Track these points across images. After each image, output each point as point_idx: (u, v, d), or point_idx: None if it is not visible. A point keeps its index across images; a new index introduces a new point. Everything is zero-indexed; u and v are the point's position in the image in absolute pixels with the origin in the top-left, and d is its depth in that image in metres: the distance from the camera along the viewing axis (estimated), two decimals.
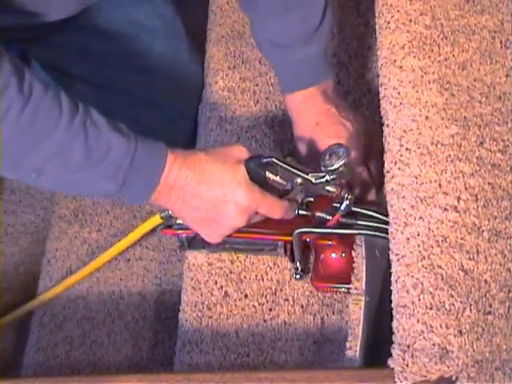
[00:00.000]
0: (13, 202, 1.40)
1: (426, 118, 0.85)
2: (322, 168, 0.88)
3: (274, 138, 1.11)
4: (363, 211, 0.92)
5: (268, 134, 1.11)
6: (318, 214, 0.92)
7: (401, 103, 0.87)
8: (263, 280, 1.00)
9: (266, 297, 0.98)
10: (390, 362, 0.74)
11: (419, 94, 0.86)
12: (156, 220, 0.98)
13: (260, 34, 1.01)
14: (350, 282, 0.93)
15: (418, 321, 0.74)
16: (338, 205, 0.90)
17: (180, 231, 0.97)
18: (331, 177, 0.88)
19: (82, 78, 1.13)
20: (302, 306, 0.97)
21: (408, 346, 0.73)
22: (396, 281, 0.77)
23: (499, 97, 0.85)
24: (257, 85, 1.15)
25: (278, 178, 0.88)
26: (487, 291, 0.75)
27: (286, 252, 0.96)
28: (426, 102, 0.86)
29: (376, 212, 0.91)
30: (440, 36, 0.90)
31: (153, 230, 1.03)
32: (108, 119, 0.80)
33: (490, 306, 0.74)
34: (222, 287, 1.00)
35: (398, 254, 0.79)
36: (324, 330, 0.95)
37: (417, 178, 0.81)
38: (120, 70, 1.12)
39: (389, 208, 0.83)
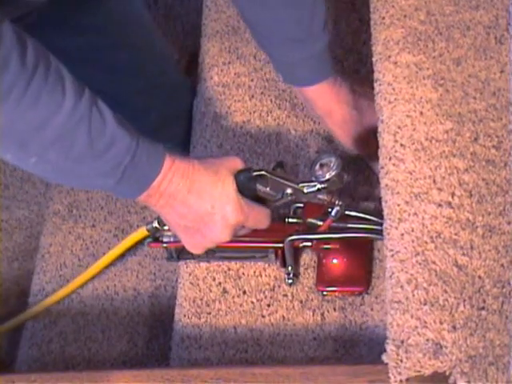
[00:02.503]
0: (7, 198, 1.40)
1: (421, 113, 0.85)
2: (313, 178, 0.88)
3: (269, 133, 1.11)
4: (355, 214, 0.92)
5: (263, 129, 1.11)
6: (309, 220, 0.92)
7: (395, 99, 0.86)
8: (261, 276, 1.00)
9: (264, 293, 0.99)
10: (383, 357, 0.74)
11: (414, 90, 0.86)
12: (142, 233, 0.98)
13: (277, 35, 0.97)
14: (354, 285, 0.93)
15: (411, 316, 0.74)
16: (329, 209, 0.90)
17: (168, 244, 0.97)
18: (322, 186, 0.87)
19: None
20: (301, 302, 0.97)
21: (402, 342, 0.73)
22: (390, 276, 0.77)
23: (494, 93, 0.86)
24: (252, 80, 1.15)
25: (268, 190, 0.87)
26: (481, 287, 0.75)
27: (276, 258, 0.97)
28: (421, 97, 0.86)
29: (367, 214, 0.92)
30: (435, 32, 0.90)
31: (139, 243, 1.02)
32: (113, 112, 0.78)
33: (484, 301, 0.74)
34: (220, 283, 1.00)
35: (392, 250, 0.79)
36: (325, 327, 0.95)
37: (411, 174, 0.81)
38: (110, 75, 1.10)
39: (383, 204, 0.83)
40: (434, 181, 0.80)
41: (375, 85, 0.90)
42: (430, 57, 0.89)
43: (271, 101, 1.13)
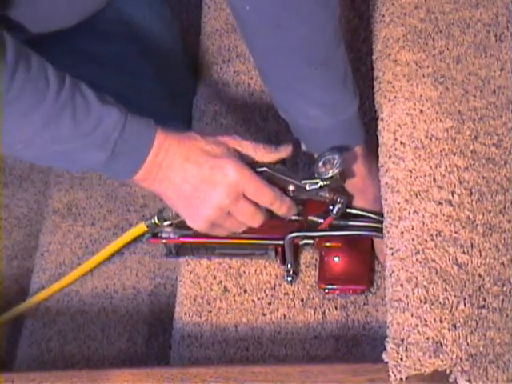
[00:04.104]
0: (6, 196, 1.40)
1: (421, 111, 0.85)
2: (316, 175, 0.87)
3: (269, 131, 1.11)
4: (356, 212, 0.92)
5: (262, 127, 1.11)
6: (310, 218, 0.92)
7: (395, 97, 0.86)
8: (262, 274, 1.00)
9: (265, 291, 0.98)
10: (383, 355, 0.74)
11: (414, 88, 0.86)
12: (141, 228, 0.97)
13: (308, 100, 0.88)
14: (355, 284, 0.93)
15: (412, 315, 0.74)
16: (330, 207, 0.90)
17: (167, 240, 0.97)
18: (324, 183, 0.87)
19: (73, 74, 1.12)
20: (302, 300, 0.97)
21: (402, 340, 0.73)
22: (390, 275, 0.77)
23: (494, 90, 0.85)
24: (251, 78, 1.15)
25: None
26: (481, 285, 0.75)
27: (276, 255, 0.96)
28: (421, 95, 0.86)
29: (368, 212, 0.92)
30: (435, 29, 0.90)
31: (137, 239, 1.02)
32: (97, 92, 0.79)
33: (484, 299, 0.74)
34: (221, 282, 1.00)
35: (392, 248, 0.79)
36: (326, 326, 0.95)
37: (411, 172, 0.81)
38: (113, 72, 1.11)
39: (383, 202, 0.83)
40: (434, 179, 0.80)
41: (375, 83, 0.90)
42: (430, 55, 0.89)
43: (270, 99, 1.12)
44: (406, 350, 0.73)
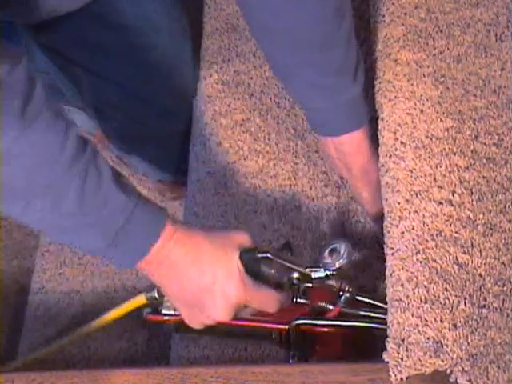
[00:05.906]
0: None
1: (421, 111, 0.85)
2: (321, 265, 0.83)
3: (269, 131, 1.11)
4: (365, 300, 0.87)
5: (262, 127, 1.11)
6: (318, 304, 0.86)
7: (395, 97, 0.86)
8: None
9: None
10: (384, 355, 0.74)
11: (414, 88, 0.86)
12: (140, 300, 0.90)
13: (301, 79, 0.87)
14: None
15: (412, 314, 0.74)
16: (339, 293, 0.85)
17: (167, 317, 0.89)
18: (331, 272, 0.83)
19: (81, 64, 1.11)
20: None
21: (402, 340, 0.73)
22: (391, 274, 0.77)
23: (494, 90, 0.85)
24: (251, 78, 1.15)
25: (273, 272, 0.83)
26: (482, 285, 0.75)
27: (280, 339, 0.89)
28: (421, 95, 0.86)
29: (379, 301, 0.86)
30: (435, 29, 0.90)
31: (136, 310, 0.93)
32: (113, 170, 0.74)
33: (485, 299, 0.74)
34: None
35: (392, 248, 0.79)
36: None
37: (411, 172, 0.81)
38: (120, 63, 1.10)
39: (383, 202, 0.83)
40: (435, 179, 0.80)
41: (375, 82, 0.90)
42: (431, 54, 0.89)
43: (270, 99, 1.13)
44: (407, 350, 0.72)
